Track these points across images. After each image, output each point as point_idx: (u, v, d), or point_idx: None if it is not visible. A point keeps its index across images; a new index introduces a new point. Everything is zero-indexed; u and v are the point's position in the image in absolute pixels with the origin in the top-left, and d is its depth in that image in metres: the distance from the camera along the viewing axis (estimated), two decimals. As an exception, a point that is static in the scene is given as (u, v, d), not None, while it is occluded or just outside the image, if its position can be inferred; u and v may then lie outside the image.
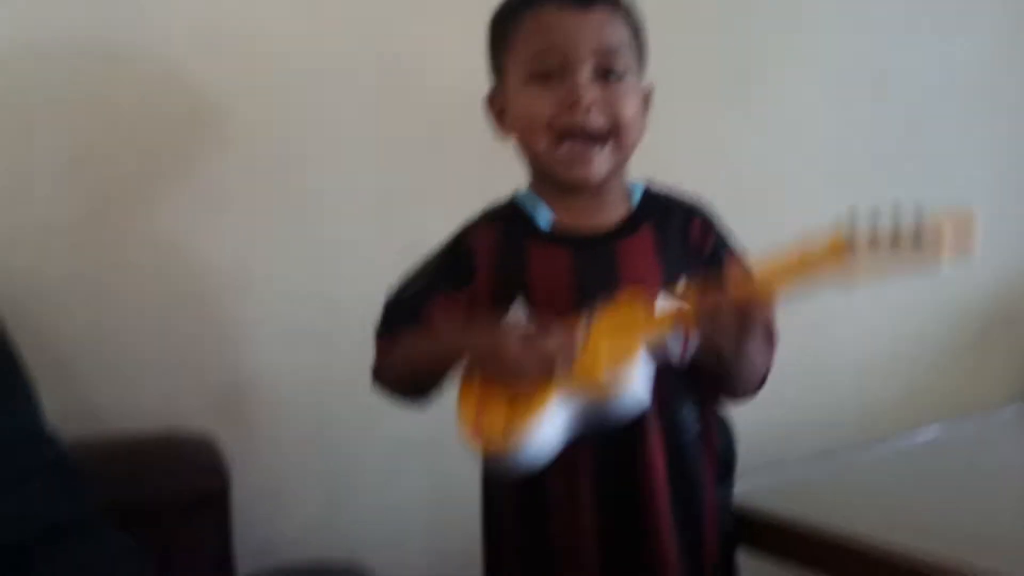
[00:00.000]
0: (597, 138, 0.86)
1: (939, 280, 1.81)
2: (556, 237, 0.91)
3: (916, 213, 0.69)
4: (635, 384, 0.78)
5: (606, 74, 0.86)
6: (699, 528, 0.93)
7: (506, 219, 0.94)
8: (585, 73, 0.85)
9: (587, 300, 0.84)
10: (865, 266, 0.71)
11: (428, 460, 1.37)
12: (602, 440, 0.85)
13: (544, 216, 0.92)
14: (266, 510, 1.26)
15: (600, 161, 0.87)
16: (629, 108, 0.87)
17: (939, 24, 1.88)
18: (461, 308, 0.90)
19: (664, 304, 0.83)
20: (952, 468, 1.41)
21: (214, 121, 1.24)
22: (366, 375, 1.30)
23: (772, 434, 1.54)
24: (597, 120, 0.85)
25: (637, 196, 0.94)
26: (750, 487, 1.04)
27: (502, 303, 0.89)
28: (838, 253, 0.71)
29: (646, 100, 0.93)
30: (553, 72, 0.86)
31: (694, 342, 0.87)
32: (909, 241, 0.68)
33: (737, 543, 1.04)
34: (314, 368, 1.30)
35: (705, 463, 0.93)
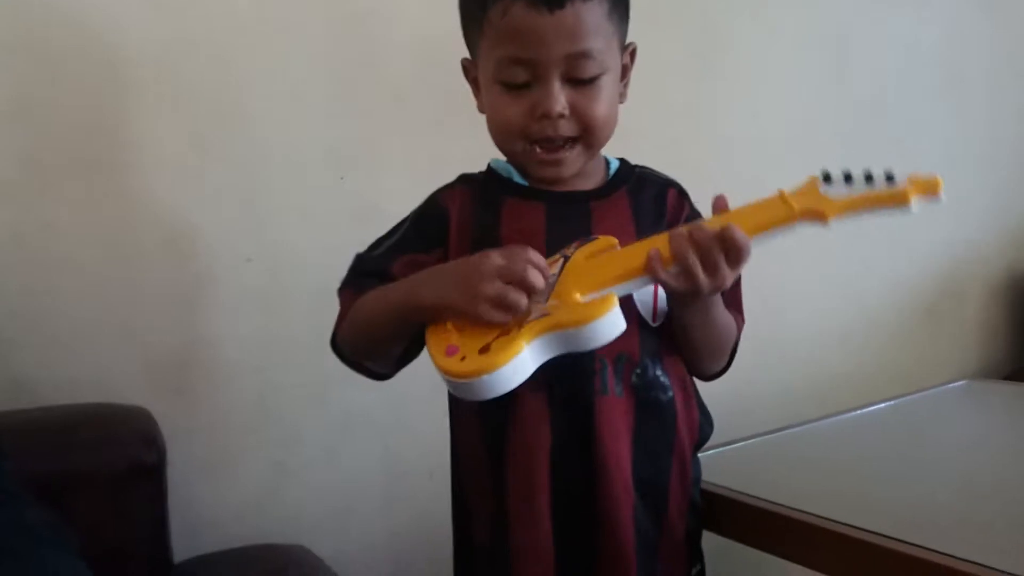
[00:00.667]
0: (568, 141, 0.87)
1: (888, 257, 1.85)
2: (532, 191, 0.91)
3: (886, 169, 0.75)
4: (612, 310, 0.75)
5: (577, 78, 0.84)
6: (662, 499, 0.91)
7: (482, 180, 0.94)
8: (555, 80, 0.83)
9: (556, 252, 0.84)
10: (841, 200, 0.75)
11: (379, 434, 1.33)
12: (562, 394, 0.85)
13: (520, 179, 0.92)
14: (205, 486, 1.21)
15: (571, 160, 0.88)
16: (601, 110, 0.86)
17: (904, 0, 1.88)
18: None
19: None
20: (902, 444, 1.43)
21: (155, 75, 1.17)
22: (314, 342, 1.25)
23: (726, 412, 1.54)
24: (568, 128, 0.85)
25: (614, 167, 0.95)
26: (704, 466, 1.03)
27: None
28: (815, 188, 0.76)
29: (629, 61, 0.92)
30: (523, 81, 0.84)
31: (665, 296, 0.87)
32: (882, 180, 0.74)
33: (702, 521, 1.02)
34: (258, 335, 1.24)
35: (682, 430, 0.91)
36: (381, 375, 0.93)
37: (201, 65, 1.19)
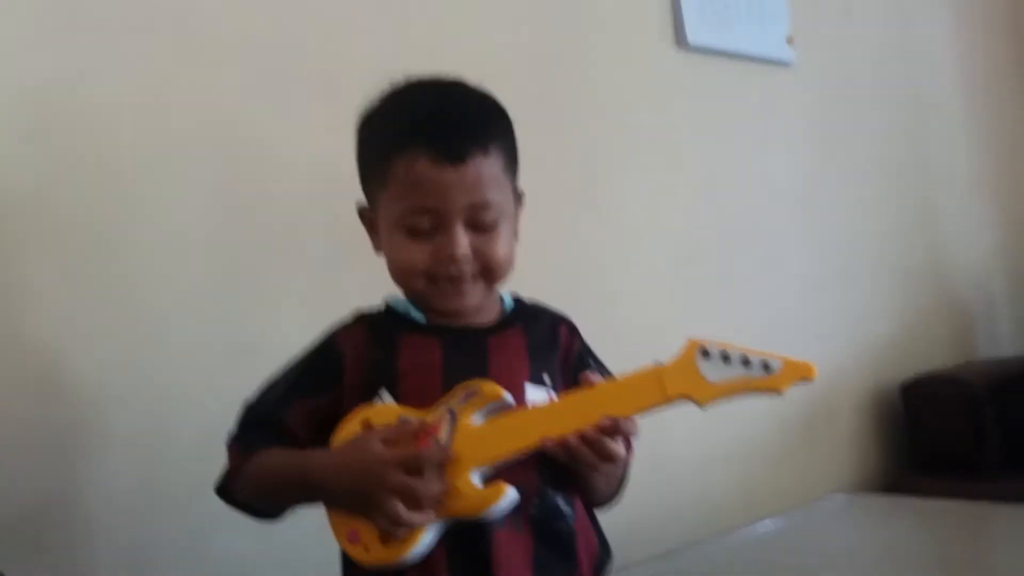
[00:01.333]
0: (472, 279, 0.90)
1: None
2: (429, 328, 0.92)
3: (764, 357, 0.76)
4: (506, 496, 0.80)
5: (479, 224, 0.89)
6: None
7: (378, 317, 0.95)
8: (458, 227, 0.88)
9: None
10: (716, 385, 0.75)
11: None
12: (458, 531, 0.84)
13: (417, 315, 0.94)
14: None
15: (472, 294, 0.91)
16: (501, 251, 0.91)
17: (758, 140, 2.06)
18: (321, 416, 0.89)
19: (532, 393, 0.87)
20: (788, 558, 1.46)
21: (29, 205, 1.14)
22: (192, 488, 1.20)
23: (617, 533, 1.55)
24: (469, 267, 0.89)
25: (508, 302, 0.98)
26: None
27: (370, 392, 0.88)
28: (692, 363, 0.76)
29: (519, 206, 0.97)
30: (427, 228, 0.88)
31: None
32: (758, 367, 0.75)
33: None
34: (130, 482, 1.17)
35: (582, 559, 0.90)
36: (271, 518, 0.92)
37: (74, 197, 1.16)
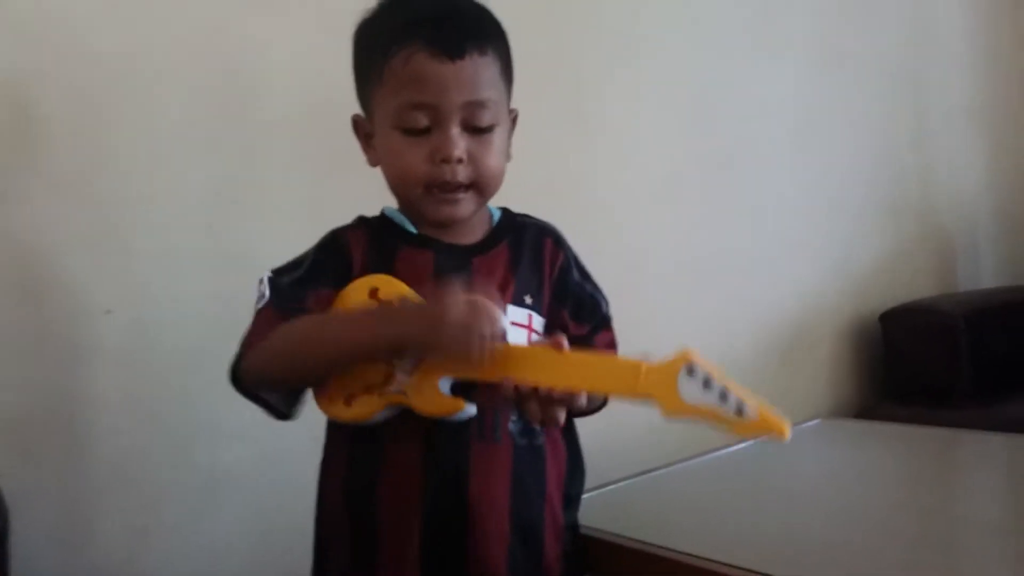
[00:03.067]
0: (465, 187, 0.90)
1: (746, 301, 1.95)
2: (422, 241, 0.93)
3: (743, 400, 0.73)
4: (462, 411, 0.83)
5: (476, 123, 0.89)
6: (538, 542, 0.92)
7: (376, 225, 0.95)
8: (455, 126, 0.88)
9: None
10: (686, 404, 0.74)
11: (246, 494, 1.27)
12: (437, 441, 0.86)
13: (411, 228, 0.94)
14: (55, 555, 1.12)
15: (465, 204, 0.91)
16: (493, 160, 0.91)
17: (752, 58, 2.02)
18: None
19: (513, 314, 0.89)
20: (765, 481, 1.50)
21: (15, 115, 1.11)
22: (178, 399, 1.21)
23: (599, 454, 1.57)
24: (463, 173, 0.89)
25: (496, 218, 0.98)
26: (581, 507, 1.05)
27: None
28: (674, 374, 0.75)
29: (512, 124, 0.97)
30: (423, 126, 0.88)
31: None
32: (732, 407, 0.72)
33: (581, 566, 1.03)
34: (116, 391, 1.17)
35: (550, 476, 0.93)
36: (280, 413, 0.90)
37: (63, 103, 1.14)
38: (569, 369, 0.80)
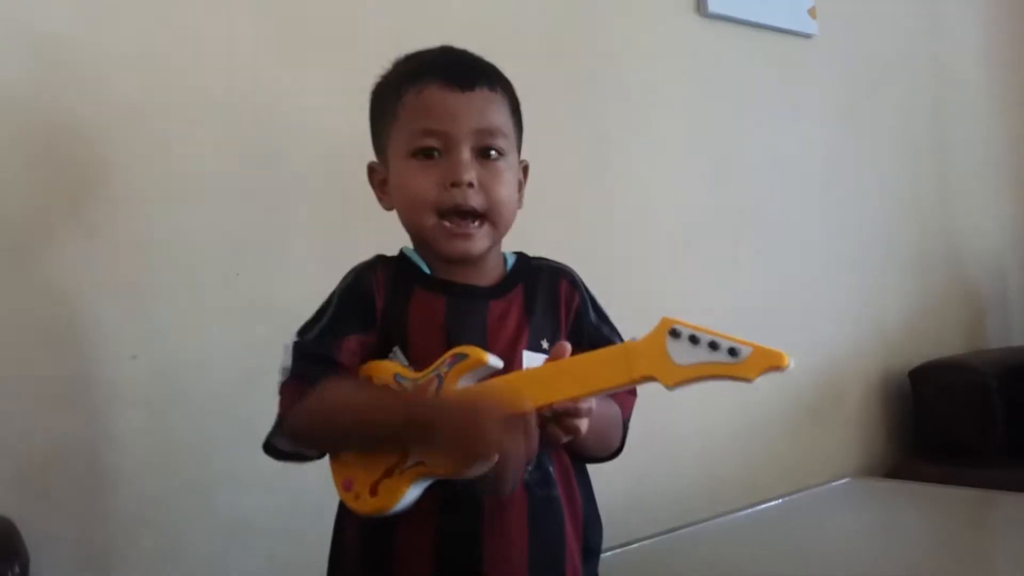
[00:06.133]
0: (475, 216, 0.90)
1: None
2: (436, 283, 0.93)
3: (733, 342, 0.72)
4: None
5: (486, 152, 0.91)
6: None
7: (395, 264, 0.96)
8: (465, 152, 0.89)
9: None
10: (683, 367, 0.73)
11: (267, 542, 1.26)
12: (448, 494, 0.85)
13: (426, 268, 0.95)
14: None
15: (479, 237, 0.91)
16: (505, 187, 0.91)
17: (776, 115, 2.03)
18: (367, 352, 0.89)
19: (529, 359, 0.88)
20: (791, 542, 1.46)
21: (40, 157, 1.13)
22: (199, 445, 1.21)
23: (621, 510, 1.55)
24: (475, 199, 0.89)
25: (511, 262, 0.98)
26: (601, 568, 1.03)
27: (386, 348, 0.89)
28: (661, 342, 0.74)
29: (523, 175, 0.98)
30: (435, 151, 0.90)
31: None
32: (725, 352, 0.71)
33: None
34: (140, 436, 1.17)
35: (568, 528, 0.91)
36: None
37: (91, 148, 1.16)
38: (563, 380, 0.78)
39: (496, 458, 0.75)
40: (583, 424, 0.81)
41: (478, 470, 0.77)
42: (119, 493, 1.16)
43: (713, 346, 0.71)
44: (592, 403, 0.81)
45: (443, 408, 0.79)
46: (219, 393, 1.21)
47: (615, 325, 0.99)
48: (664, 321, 0.74)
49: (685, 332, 0.72)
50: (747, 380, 0.71)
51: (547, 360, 0.83)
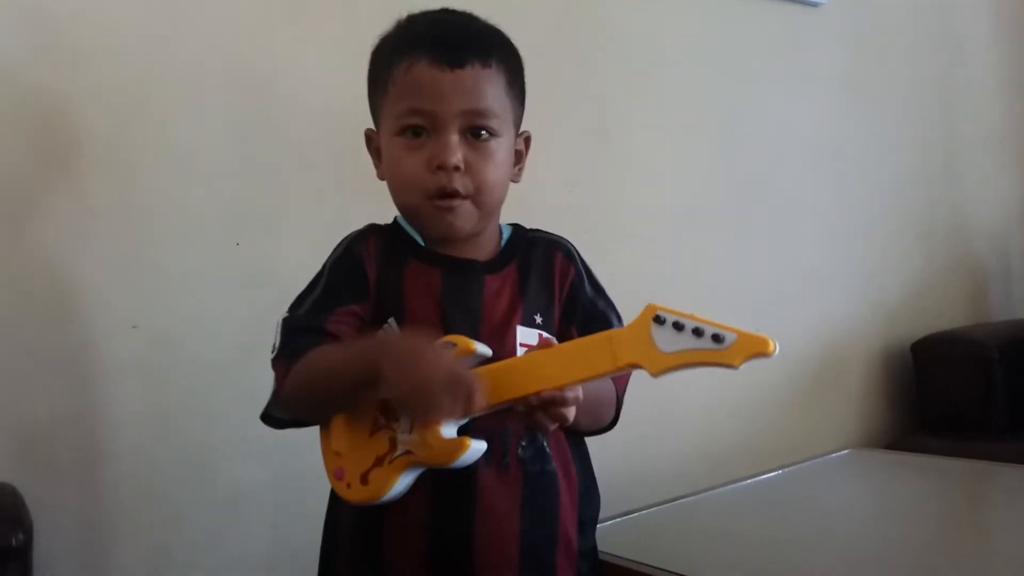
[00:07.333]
0: (462, 197, 0.89)
1: (773, 330, 1.92)
2: (430, 255, 0.92)
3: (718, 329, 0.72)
4: (469, 450, 0.80)
5: (475, 133, 0.89)
6: (550, 568, 0.90)
7: (388, 233, 0.95)
8: (453, 134, 0.88)
9: (449, 324, 0.87)
10: (667, 354, 0.73)
11: (268, 512, 1.26)
12: (439, 478, 0.84)
13: (420, 240, 0.94)
14: (76, 570, 1.12)
15: (463, 216, 0.90)
16: (494, 169, 0.90)
17: (780, 84, 2.01)
18: (360, 322, 0.88)
19: (522, 335, 0.88)
20: (791, 511, 1.47)
21: (38, 130, 1.12)
22: (200, 416, 1.21)
23: (623, 482, 1.55)
24: (461, 182, 0.88)
25: (506, 236, 0.97)
26: (602, 537, 1.03)
27: (380, 319, 0.88)
28: (646, 330, 0.74)
29: (524, 147, 0.97)
30: (422, 131, 0.88)
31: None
32: (708, 339, 0.71)
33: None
34: (141, 406, 1.18)
35: (564, 501, 0.91)
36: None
37: (87, 121, 1.15)
38: (548, 368, 0.79)
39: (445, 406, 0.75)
40: (570, 412, 0.81)
41: (422, 412, 0.77)
42: (121, 463, 1.17)
43: (697, 332, 0.71)
44: (579, 391, 0.81)
45: (389, 343, 0.82)
46: (219, 362, 1.21)
47: (612, 299, 0.98)
48: (649, 307, 0.74)
49: (669, 318, 0.72)
50: (732, 367, 0.71)
51: (533, 348, 0.83)
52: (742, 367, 0.70)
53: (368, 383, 0.79)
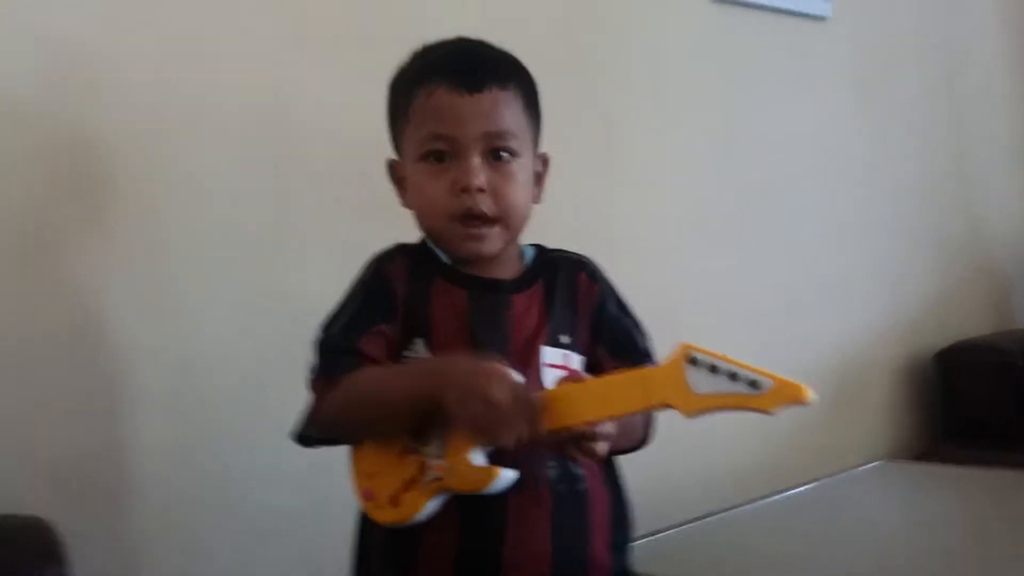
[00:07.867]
0: (487, 220, 0.90)
1: (790, 343, 1.92)
2: (457, 275, 0.93)
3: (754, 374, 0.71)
4: (499, 478, 0.81)
5: (496, 155, 0.90)
6: None
7: (415, 253, 0.96)
8: (475, 157, 0.89)
9: (477, 344, 0.87)
10: (702, 396, 0.72)
11: (294, 543, 1.26)
12: (470, 502, 0.84)
13: (446, 259, 0.95)
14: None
15: (491, 239, 0.91)
16: (517, 189, 0.91)
17: (786, 95, 2.01)
18: (391, 343, 0.89)
19: (548, 355, 0.89)
20: (823, 526, 1.45)
21: (59, 161, 1.14)
22: (224, 441, 1.21)
23: (651, 500, 1.54)
24: (486, 204, 0.89)
25: (530, 255, 0.98)
26: (634, 553, 1.03)
27: (407, 339, 0.89)
28: (679, 370, 0.73)
29: (543, 168, 0.98)
30: (445, 155, 0.90)
31: None
32: (744, 384, 0.71)
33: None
34: (165, 438, 1.18)
35: (596, 522, 0.90)
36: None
37: (108, 149, 1.16)
38: (580, 403, 0.79)
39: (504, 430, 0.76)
40: (601, 448, 0.81)
41: (492, 433, 0.77)
42: (147, 493, 1.17)
43: (733, 376, 0.71)
44: (610, 427, 0.81)
45: (454, 363, 0.82)
46: (240, 388, 1.21)
47: (636, 316, 0.98)
48: (683, 347, 0.74)
49: (704, 361, 0.72)
50: (767, 413, 0.70)
51: (563, 380, 0.84)
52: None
53: (423, 406, 0.80)
